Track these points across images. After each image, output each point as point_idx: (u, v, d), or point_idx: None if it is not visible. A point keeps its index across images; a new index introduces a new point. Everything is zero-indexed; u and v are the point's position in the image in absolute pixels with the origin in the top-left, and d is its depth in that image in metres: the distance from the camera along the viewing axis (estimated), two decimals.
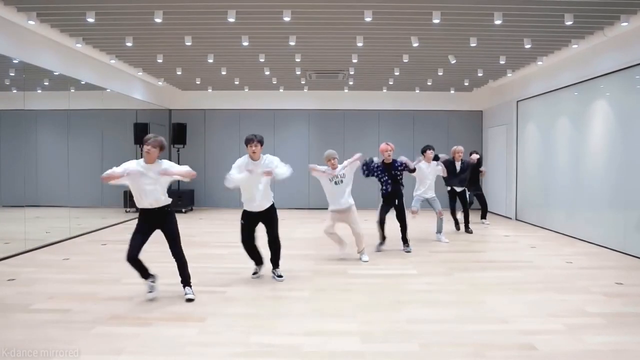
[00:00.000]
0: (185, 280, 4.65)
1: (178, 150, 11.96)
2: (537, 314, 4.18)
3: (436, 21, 6.30)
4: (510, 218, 10.82)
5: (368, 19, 6.29)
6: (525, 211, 10.33)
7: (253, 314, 4.16)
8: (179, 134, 11.90)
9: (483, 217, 9.80)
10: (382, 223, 6.88)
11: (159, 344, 3.48)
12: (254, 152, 5.09)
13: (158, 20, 6.32)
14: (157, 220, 4.50)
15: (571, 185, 8.34)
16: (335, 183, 6.07)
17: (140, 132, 11.00)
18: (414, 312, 4.23)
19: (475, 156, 8.95)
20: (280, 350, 3.40)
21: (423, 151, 7.62)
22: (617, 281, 5.28)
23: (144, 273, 4.53)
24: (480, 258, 6.57)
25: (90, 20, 6.37)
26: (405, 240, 6.95)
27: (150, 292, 4.55)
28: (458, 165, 8.33)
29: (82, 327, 3.78)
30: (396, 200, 6.78)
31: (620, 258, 6.57)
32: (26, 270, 5.65)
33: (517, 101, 10.64)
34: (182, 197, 11.62)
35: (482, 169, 9.65)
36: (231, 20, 6.31)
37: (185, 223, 9.93)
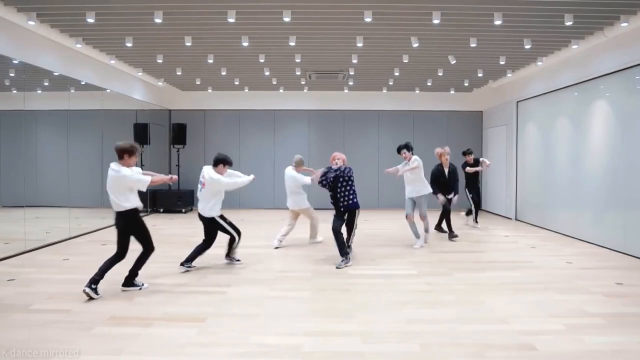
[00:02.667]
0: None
1: (178, 151, 11.96)
2: (537, 314, 4.18)
3: (436, 21, 6.31)
4: (510, 218, 10.82)
5: (368, 20, 6.29)
6: (525, 211, 10.33)
7: (253, 314, 4.16)
8: (178, 135, 11.90)
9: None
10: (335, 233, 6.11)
11: (158, 344, 3.48)
12: None
13: (158, 20, 6.33)
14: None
15: (571, 185, 8.35)
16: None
17: (140, 133, 11.02)
18: (414, 312, 4.23)
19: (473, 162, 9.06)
20: (280, 351, 3.40)
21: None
22: (617, 281, 5.28)
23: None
24: (480, 258, 6.57)
25: (90, 20, 6.37)
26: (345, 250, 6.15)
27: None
28: (446, 170, 8.07)
29: (82, 327, 3.78)
30: (346, 214, 6.17)
31: (620, 258, 6.57)
32: (26, 270, 5.65)
33: (517, 101, 10.64)
34: (182, 198, 11.63)
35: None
36: (231, 20, 6.31)
37: (184, 223, 9.92)
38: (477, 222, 9.34)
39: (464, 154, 9.16)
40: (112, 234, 8.28)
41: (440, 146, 8.27)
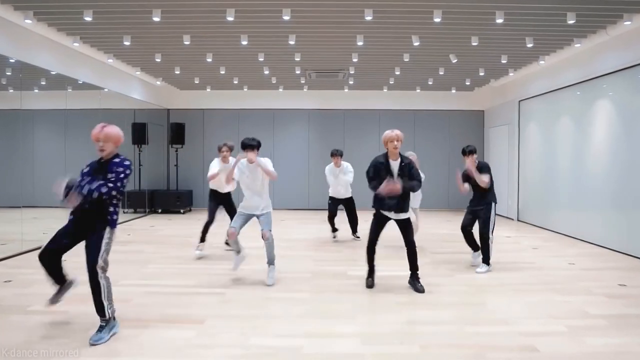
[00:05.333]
0: None
1: (176, 151, 11.97)
2: (538, 316, 4.19)
3: (437, 20, 6.31)
4: (512, 219, 10.83)
5: (368, 18, 6.29)
6: (527, 212, 10.34)
7: (252, 316, 4.17)
8: (177, 134, 11.91)
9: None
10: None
11: (156, 346, 3.49)
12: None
13: (156, 19, 6.33)
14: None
15: (574, 185, 8.36)
16: None
17: (139, 132, 11.03)
18: (414, 314, 4.24)
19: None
20: (279, 352, 3.41)
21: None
22: (619, 282, 5.29)
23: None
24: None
25: (88, 19, 6.37)
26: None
27: None
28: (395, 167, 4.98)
29: (79, 328, 3.79)
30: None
31: (623, 259, 6.58)
32: (23, 271, 5.66)
33: (519, 101, 10.65)
34: (181, 198, 11.64)
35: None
36: (230, 19, 6.32)
37: (183, 224, 9.93)
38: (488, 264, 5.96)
39: (464, 152, 5.95)
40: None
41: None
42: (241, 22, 6.74)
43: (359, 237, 7.80)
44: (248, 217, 5.29)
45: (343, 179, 7.57)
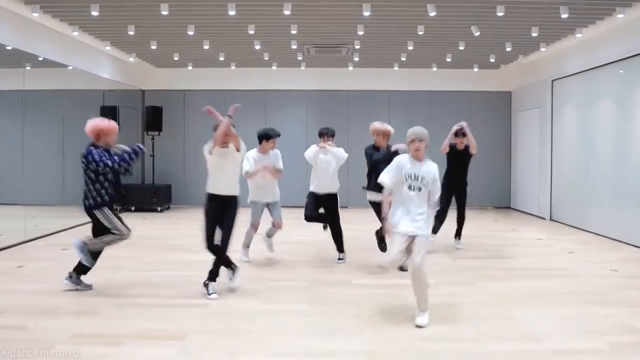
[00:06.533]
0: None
1: (152, 138, 11.93)
2: (575, 331, 4.18)
3: None
4: (544, 218, 10.83)
5: None
6: (561, 210, 10.34)
7: (241, 331, 4.16)
8: (153, 119, 11.88)
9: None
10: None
11: None
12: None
13: None
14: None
15: (615, 179, 8.34)
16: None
17: (108, 117, 10.98)
18: (429, 329, 4.23)
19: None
20: None
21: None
22: None
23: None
24: (508, 265, 6.59)
25: None
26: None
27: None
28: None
29: (39, 346, 3.77)
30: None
31: None
32: None
33: (552, 80, 10.62)
34: (158, 194, 11.61)
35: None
36: None
37: (161, 224, 9.92)
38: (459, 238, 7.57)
39: (456, 134, 7.43)
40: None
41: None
42: None
43: (343, 259, 6.62)
44: (262, 208, 6.51)
45: (333, 161, 6.58)
